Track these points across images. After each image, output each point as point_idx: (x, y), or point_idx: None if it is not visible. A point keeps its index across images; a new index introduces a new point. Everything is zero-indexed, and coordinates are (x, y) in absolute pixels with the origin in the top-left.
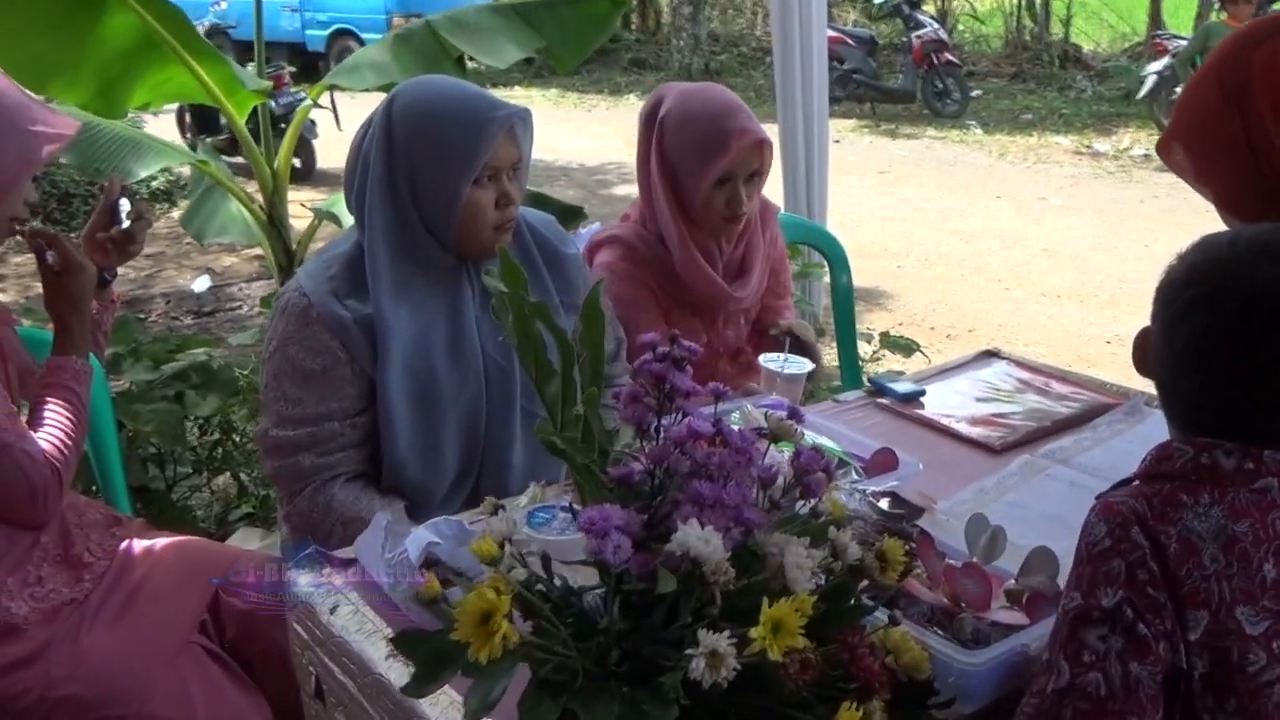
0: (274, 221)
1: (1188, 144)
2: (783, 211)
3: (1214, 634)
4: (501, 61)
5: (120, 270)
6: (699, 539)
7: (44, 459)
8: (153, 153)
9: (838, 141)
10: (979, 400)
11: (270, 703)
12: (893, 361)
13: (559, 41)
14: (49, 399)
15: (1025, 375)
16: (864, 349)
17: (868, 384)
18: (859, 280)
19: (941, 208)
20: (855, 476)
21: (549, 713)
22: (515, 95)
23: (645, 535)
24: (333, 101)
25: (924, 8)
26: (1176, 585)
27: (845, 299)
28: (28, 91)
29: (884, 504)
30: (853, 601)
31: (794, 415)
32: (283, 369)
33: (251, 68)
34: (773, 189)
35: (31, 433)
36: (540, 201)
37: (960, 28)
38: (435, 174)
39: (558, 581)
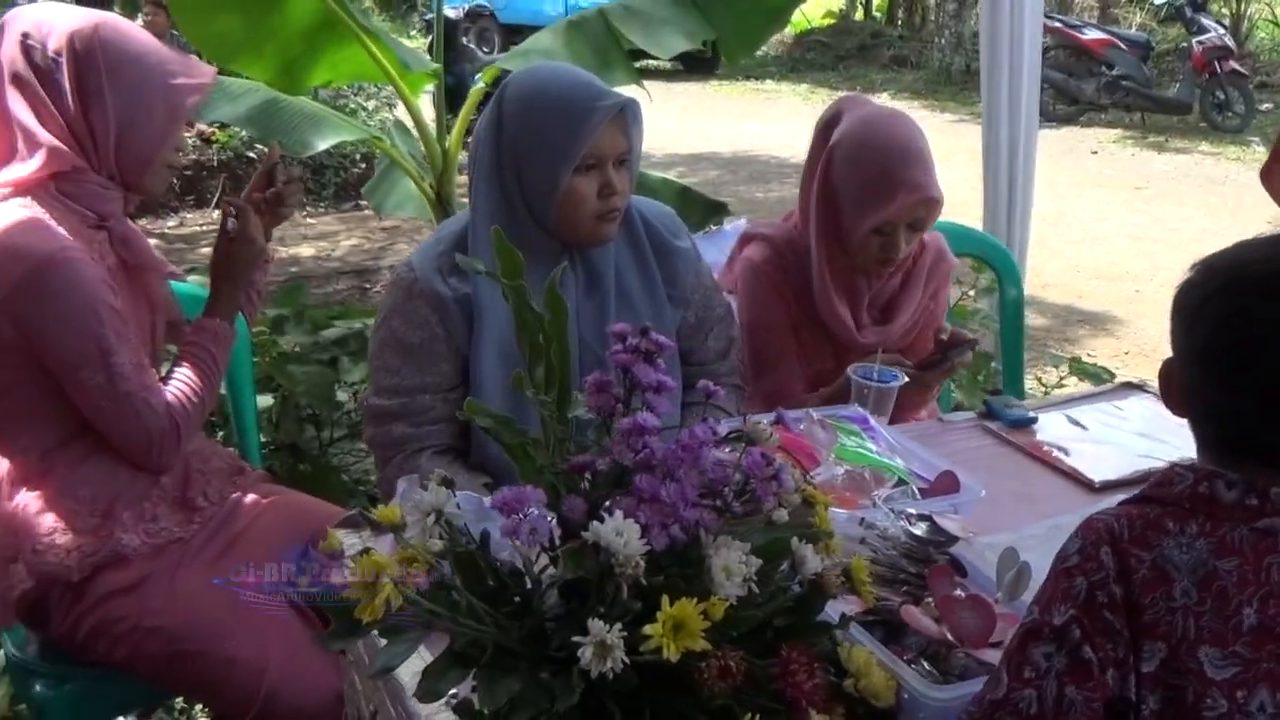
0: (441, 200)
1: None
2: (950, 221)
3: (1170, 670)
4: (666, 52)
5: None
6: (612, 531)
7: (165, 411)
8: (330, 126)
9: (1095, 153)
10: (1098, 434)
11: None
12: (1083, 390)
13: (730, 32)
14: (185, 357)
15: (1165, 412)
16: (1052, 375)
17: (981, 406)
18: (1089, 303)
19: (1199, 230)
20: (911, 497)
21: (450, 682)
22: (765, 89)
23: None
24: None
25: (1214, 10)
26: (1138, 612)
27: (1014, 314)
28: (161, 45)
29: (920, 529)
30: (817, 618)
31: (865, 425)
32: (386, 340)
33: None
34: (972, 202)
35: (159, 384)
36: (684, 194)
37: (1260, 35)
38: (538, 160)
39: (517, 561)
